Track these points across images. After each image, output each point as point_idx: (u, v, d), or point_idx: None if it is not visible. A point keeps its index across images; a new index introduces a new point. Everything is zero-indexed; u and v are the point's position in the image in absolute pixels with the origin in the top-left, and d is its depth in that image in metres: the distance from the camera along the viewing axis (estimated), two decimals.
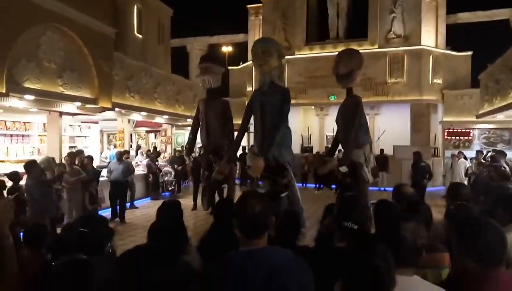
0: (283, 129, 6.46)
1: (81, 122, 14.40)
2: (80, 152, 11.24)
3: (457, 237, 1.81)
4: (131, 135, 22.46)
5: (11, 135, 11.55)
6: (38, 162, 7.23)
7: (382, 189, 16.35)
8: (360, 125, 9.27)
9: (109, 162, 11.87)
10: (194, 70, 23.11)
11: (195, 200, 11.93)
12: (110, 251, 3.35)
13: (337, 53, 9.72)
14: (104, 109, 10.32)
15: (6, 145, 11.27)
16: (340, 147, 8.06)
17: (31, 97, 8.49)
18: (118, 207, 10.24)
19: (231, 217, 1.97)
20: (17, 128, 11.66)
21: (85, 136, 14.89)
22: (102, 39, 10.20)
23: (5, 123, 11.17)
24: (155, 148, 17.38)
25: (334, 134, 10.17)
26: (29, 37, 8.16)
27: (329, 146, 11.78)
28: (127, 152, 12.59)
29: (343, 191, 9.71)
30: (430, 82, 18.24)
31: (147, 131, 21.64)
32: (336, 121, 9.78)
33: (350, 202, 2.32)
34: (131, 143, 21.24)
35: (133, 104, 12.20)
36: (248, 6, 21.97)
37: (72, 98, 9.38)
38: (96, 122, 15.13)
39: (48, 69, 8.68)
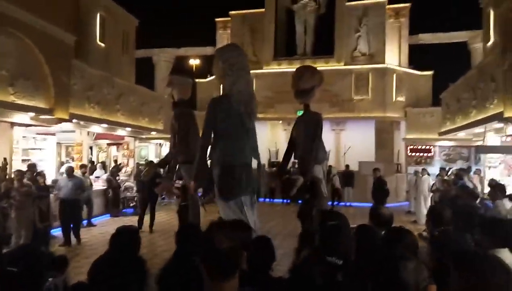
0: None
1: (37, 133, 13.49)
2: (33, 166, 10.50)
3: (458, 276, 1.57)
4: (91, 148, 21.58)
5: None
6: None
7: (348, 204, 16.40)
8: (319, 142, 9.52)
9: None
10: (160, 82, 22.58)
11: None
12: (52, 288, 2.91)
13: (296, 69, 10.03)
14: (60, 120, 9.68)
15: None
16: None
17: None
18: (71, 226, 9.32)
19: (195, 247, 1.68)
20: None
21: (40, 149, 13.93)
22: (60, 47, 9.61)
23: None
24: (115, 161, 16.65)
25: (286, 148, 10.18)
26: None
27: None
28: (84, 166, 11.90)
29: (304, 204, 9.75)
30: (394, 99, 18.70)
31: (109, 144, 20.75)
32: (292, 136, 9.80)
33: (333, 233, 2.05)
34: (91, 156, 20.31)
35: (93, 115, 11.55)
36: (216, 19, 21.84)
37: (25, 108, 8.71)
38: (53, 134, 14.23)
39: None
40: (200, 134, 8.70)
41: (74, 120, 10.61)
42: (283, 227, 11.30)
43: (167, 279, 2.68)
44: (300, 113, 17.50)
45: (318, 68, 15.90)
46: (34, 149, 13.73)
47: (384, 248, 2.25)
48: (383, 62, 18.46)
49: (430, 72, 19.64)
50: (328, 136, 20.14)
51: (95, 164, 17.20)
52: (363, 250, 2.44)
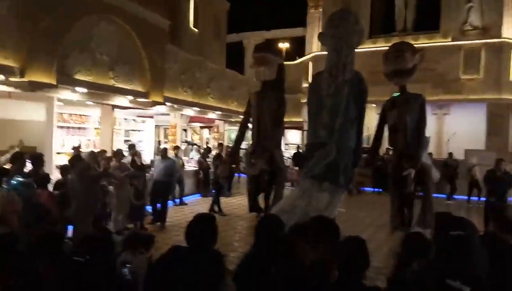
0: None
1: (137, 116, 14.42)
2: (132, 146, 11.17)
3: None
4: (185, 130, 22.66)
5: (68, 128, 11.69)
6: (83, 156, 7.04)
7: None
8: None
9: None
10: (249, 66, 22.64)
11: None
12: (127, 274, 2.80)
13: (390, 46, 8.97)
14: (155, 103, 10.05)
15: (63, 137, 11.42)
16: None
17: (83, 90, 8.36)
18: (158, 206, 9.59)
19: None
20: (73, 121, 11.79)
21: (140, 131, 14.90)
22: (155, 32, 9.91)
23: (62, 115, 11.30)
24: (220, 144, 17.14)
25: (376, 134, 9.26)
26: (83, 28, 7.99)
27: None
28: (177, 147, 12.34)
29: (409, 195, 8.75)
30: (511, 79, 16.18)
31: (201, 127, 21.55)
32: (385, 120, 8.97)
33: (458, 247, 1.50)
34: (186, 138, 21.30)
35: (186, 99, 11.87)
36: None
37: (123, 92, 9.18)
38: (151, 117, 15.11)
39: (100, 61, 8.51)
40: None
41: (168, 103, 10.98)
42: (374, 218, 10.52)
43: (242, 280, 2.38)
44: (396, 95, 15.93)
45: (419, 46, 14.41)
46: (134, 130, 14.74)
47: None
48: (499, 36, 16.01)
49: None
50: (429, 121, 18.31)
51: (191, 145, 17.98)
52: (496, 269, 1.84)
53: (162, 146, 11.14)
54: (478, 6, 16.36)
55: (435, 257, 1.51)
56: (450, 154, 15.19)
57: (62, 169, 7.00)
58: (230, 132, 24.60)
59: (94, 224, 6.66)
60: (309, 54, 19.89)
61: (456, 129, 16.64)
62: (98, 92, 8.73)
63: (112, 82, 8.84)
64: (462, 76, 16.57)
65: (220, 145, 11.87)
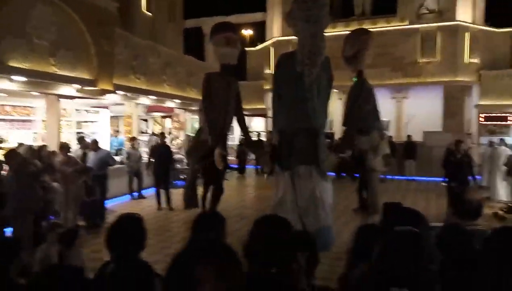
0: None
1: (91, 107, 13.62)
2: (81, 139, 10.50)
3: None
4: (146, 120, 21.82)
5: (11, 121, 10.83)
6: (19, 151, 6.43)
7: (410, 178, 15.07)
8: (367, 111, 8.56)
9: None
10: (210, 52, 22.01)
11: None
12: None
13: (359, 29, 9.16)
14: (104, 92, 9.41)
15: (6, 130, 10.56)
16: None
17: (21, 78, 7.63)
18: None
19: None
20: (17, 113, 10.93)
21: (93, 122, 14.11)
22: (102, 15, 9.22)
23: (4, 107, 10.44)
24: (162, 133, 16.60)
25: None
26: (16, 10, 7.23)
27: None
28: (134, 139, 11.74)
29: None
30: (466, 61, 16.60)
31: (163, 117, 20.82)
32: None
33: (409, 246, 1.21)
34: (147, 129, 20.53)
35: (139, 86, 11.24)
36: None
37: (67, 80, 8.50)
38: (106, 107, 14.34)
39: (39, 47, 7.78)
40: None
41: (118, 92, 10.34)
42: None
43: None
44: (355, 80, 16.14)
45: (377, 30, 14.56)
46: (87, 121, 13.94)
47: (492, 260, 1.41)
48: (454, 19, 16.32)
49: (509, 29, 17.11)
50: (388, 105, 18.64)
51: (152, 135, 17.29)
52: (455, 265, 1.61)
53: (91, 138, 10.19)
54: None
55: (379, 257, 1.23)
56: (409, 136, 15.46)
57: None
58: (193, 122, 24.01)
59: (35, 223, 6.15)
60: (270, 39, 19.54)
61: (414, 112, 16.95)
62: (39, 80, 8.01)
63: (53, 69, 8.14)
64: (420, 59, 16.82)
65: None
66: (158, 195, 9.84)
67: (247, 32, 22.40)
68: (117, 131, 12.29)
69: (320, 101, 6.43)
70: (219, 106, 7.73)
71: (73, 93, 9.28)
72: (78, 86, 9.00)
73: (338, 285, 1.99)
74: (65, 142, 8.40)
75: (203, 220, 2.29)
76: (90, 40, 8.84)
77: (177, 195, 11.95)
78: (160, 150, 9.52)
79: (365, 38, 8.83)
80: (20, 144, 7.42)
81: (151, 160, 10.28)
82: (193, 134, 18.29)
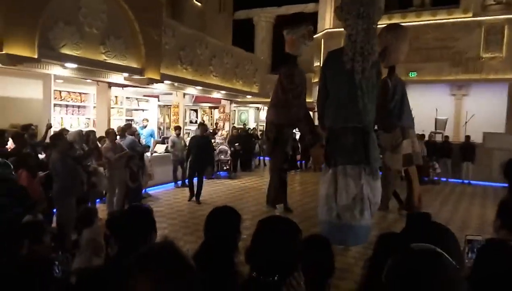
0: None
1: (143, 95, 14.04)
2: (129, 126, 10.80)
3: None
4: (196, 111, 22.21)
5: (66, 106, 11.40)
6: (68, 134, 6.68)
7: (466, 181, 14.05)
8: (389, 109, 8.53)
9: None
10: (259, 44, 21.92)
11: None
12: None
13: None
14: (151, 81, 9.57)
15: (61, 116, 11.13)
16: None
17: (72, 65, 7.93)
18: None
19: None
20: (72, 99, 11.48)
21: (143, 110, 14.55)
22: (150, 4, 9.35)
23: (60, 93, 10.98)
24: (201, 124, 16.80)
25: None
26: None
27: None
28: (179, 128, 11.90)
29: None
30: None
31: (210, 107, 21.07)
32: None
33: (424, 272, 0.95)
34: (196, 119, 20.88)
35: (185, 76, 11.34)
36: None
37: (116, 68, 8.72)
38: (156, 96, 14.72)
39: (89, 35, 8.03)
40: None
41: (166, 81, 10.49)
42: None
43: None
44: (412, 75, 15.91)
45: (438, 22, 14.29)
46: (137, 109, 14.40)
47: None
48: None
49: None
50: (446, 102, 17.50)
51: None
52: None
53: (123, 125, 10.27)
54: None
55: (385, 279, 0.98)
56: (467, 137, 14.40)
57: (45, 147, 6.68)
58: (240, 113, 24.10)
59: (78, 205, 6.37)
60: (321, 31, 19.01)
61: (475, 111, 15.76)
62: (89, 68, 8.29)
63: (103, 57, 8.39)
64: (483, 54, 15.55)
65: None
66: (191, 186, 9.66)
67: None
68: (147, 120, 12.36)
69: (369, 98, 6.34)
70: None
71: (122, 81, 9.54)
72: (126, 75, 9.22)
73: None
74: (111, 129, 8.66)
75: (216, 216, 2.15)
76: (138, 29, 9.00)
77: (221, 185, 12.12)
78: (199, 141, 9.46)
79: (395, 32, 8.58)
80: (64, 130, 7.73)
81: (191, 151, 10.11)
82: (241, 126, 18.41)
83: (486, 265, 1.41)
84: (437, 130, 16.46)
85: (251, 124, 21.98)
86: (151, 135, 12.50)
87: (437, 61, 16.17)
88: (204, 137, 9.80)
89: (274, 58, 21.51)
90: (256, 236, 1.56)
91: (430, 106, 16.78)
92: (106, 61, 8.42)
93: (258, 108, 22.55)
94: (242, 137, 15.21)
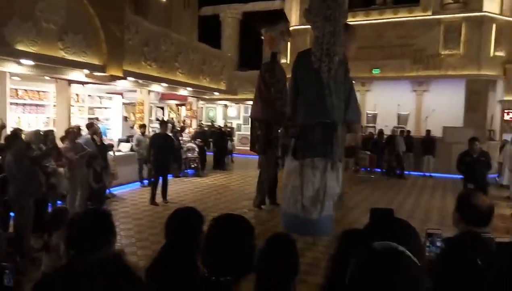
0: None
1: (106, 93, 13.61)
2: (91, 125, 10.44)
3: None
4: (162, 108, 21.80)
5: (24, 105, 10.87)
6: (25, 134, 6.37)
7: (427, 174, 14.59)
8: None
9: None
10: (226, 40, 21.78)
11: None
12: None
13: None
14: (114, 78, 9.29)
15: (18, 115, 10.60)
16: None
17: (29, 62, 7.56)
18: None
19: None
20: (29, 97, 10.96)
21: (106, 108, 14.11)
22: None
23: (17, 91, 10.46)
24: (162, 121, 16.52)
25: None
26: None
27: None
28: (143, 126, 11.62)
29: None
30: (491, 54, 15.86)
31: (177, 105, 20.75)
32: None
33: (384, 271, 0.93)
34: (162, 116, 20.50)
35: (150, 73, 11.08)
36: None
37: (75, 65, 8.39)
38: (120, 94, 14.31)
39: (47, 31, 7.67)
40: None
41: (129, 78, 10.21)
42: None
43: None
44: (376, 72, 16.71)
45: (398, 20, 15.24)
46: (100, 107, 13.94)
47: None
48: (480, 10, 15.56)
49: None
50: (408, 98, 18.08)
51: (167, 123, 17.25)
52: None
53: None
54: None
55: (349, 280, 0.97)
56: (428, 131, 14.95)
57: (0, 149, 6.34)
58: (208, 110, 23.90)
59: (36, 207, 6.09)
60: None
61: (435, 106, 16.38)
62: (47, 65, 7.93)
63: (62, 54, 8.04)
64: (442, 51, 16.16)
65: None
66: (154, 186, 9.14)
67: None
68: (97, 119, 11.78)
69: (337, 96, 6.76)
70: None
71: (83, 78, 9.20)
72: (87, 72, 8.90)
73: None
74: (71, 128, 8.33)
75: (178, 218, 2.08)
76: (99, 25, 8.69)
77: (189, 183, 11.97)
78: (160, 139, 9.05)
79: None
80: (18, 129, 7.34)
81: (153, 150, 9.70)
82: (209, 123, 18.26)
83: (453, 258, 1.44)
84: (400, 125, 17.00)
85: (219, 122, 21.85)
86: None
87: (399, 58, 16.67)
88: (165, 135, 9.37)
89: (242, 55, 21.46)
90: (208, 235, 1.52)
91: (393, 102, 17.30)
92: (65, 57, 8.09)
93: (226, 106, 22.44)
94: (215, 135, 15.14)
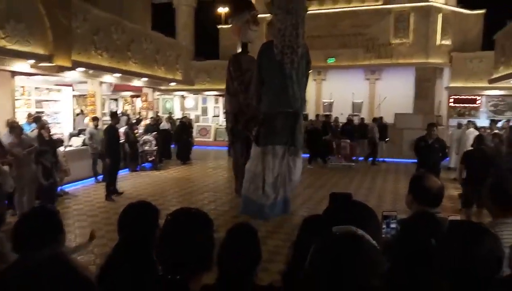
0: None
1: (55, 85, 12.88)
2: (38, 118, 9.88)
3: None
4: (116, 100, 21.01)
5: None
6: None
7: (381, 159, 15.14)
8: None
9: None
10: (181, 29, 21.27)
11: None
12: None
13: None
14: (61, 68, 8.79)
15: None
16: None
17: None
18: None
19: None
20: None
21: (55, 101, 13.38)
22: None
23: None
24: (112, 113, 15.97)
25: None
26: None
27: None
28: (96, 119, 11.14)
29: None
30: (438, 43, 16.64)
31: (132, 96, 20.08)
32: None
33: (342, 254, 0.93)
34: (116, 108, 19.77)
35: (101, 63, 10.60)
36: None
37: (18, 55, 7.84)
38: (70, 85, 13.61)
39: None
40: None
41: (78, 69, 9.72)
42: None
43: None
44: (331, 61, 17.30)
45: (351, 9, 16.03)
46: (48, 100, 13.20)
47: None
48: (427, 0, 16.24)
49: (481, 11, 17.22)
50: (361, 86, 18.61)
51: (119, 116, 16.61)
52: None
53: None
54: None
55: (309, 264, 0.97)
56: (381, 118, 15.47)
57: None
58: (165, 101, 23.33)
59: None
60: None
61: (388, 94, 16.96)
62: None
63: (3, 43, 7.49)
64: (393, 40, 16.73)
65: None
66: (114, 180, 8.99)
67: (223, 10, 21.67)
68: (30, 115, 10.81)
69: (299, 87, 7.05)
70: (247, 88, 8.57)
71: (28, 69, 8.64)
72: (32, 62, 8.36)
73: (282, 282, 1.76)
74: (16, 122, 7.84)
75: (131, 213, 1.99)
76: (43, 11, 8.16)
77: (147, 177, 11.66)
78: (108, 132, 8.80)
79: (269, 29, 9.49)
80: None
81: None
82: (167, 115, 17.81)
83: (409, 239, 1.48)
84: (354, 113, 17.51)
85: (177, 113, 21.42)
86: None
87: (353, 47, 17.08)
88: (110, 128, 9.08)
89: (197, 44, 21.07)
90: (163, 230, 1.47)
91: (347, 90, 17.76)
92: (7, 47, 7.54)
93: (183, 96, 22.03)
94: (178, 127, 14.77)
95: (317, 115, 16.52)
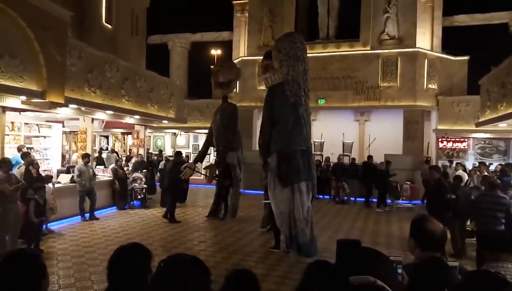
0: None
1: (46, 121, 12.79)
2: (26, 154, 9.70)
3: None
4: (106, 137, 20.88)
5: None
6: None
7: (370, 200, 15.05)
8: (235, 130, 10.79)
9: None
10: (175, 69, 21.67)
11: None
12: None
13: (232, 61, 13.32)
14: (54, 105, 8.76)
15: None
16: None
17: None
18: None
19: None
20: None
21: (45, 137, 13.23)
22: (53, 22, 8.64)
23: None
24: (112, 150, 15.86)
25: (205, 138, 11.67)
26: None
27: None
28: (87, 155, 11.00)
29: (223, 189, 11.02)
30: (425, 87, 17.15)
31: (123, 133, 20.00)
32: (211, 126, 11.46)
33: None
34: (107, 145, 19.62)
35: (94, 100, 10.62)
36: (234, 1, 20.65)
37: (11, 90, 7.82)
38: (61, 122, 13.54)
39: None
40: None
41: (71, 105, 9.70)
42: None
43: None
44: (321, 102, 18.49)
45: (341, 53, 17.36)
46: (38, 136, 13.04)
47: None
48: (414, 46, 16.87)
49: (465, 58, 17.91)
50: (351, 127, 18.89)
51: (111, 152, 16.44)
52: None
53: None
54: (394, 16, 17.12)
55: None
56: (369, 157, 15.48)
57: None
58: (156, 139, 23.26)
59: None
60: (236, 59, 19.44)
61: (377, 135, 17.18)
62: None
63: None
64: (381, 83, 17.18)
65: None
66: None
67: (215, 52, 22.19)
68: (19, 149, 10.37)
69: (309, 125, 7.73)
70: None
71: (19, 105, 8.59)
72: (24, 98, 8.32)
73: None
74: (6, 158, 7.67)
75: (122, 257, 1.89)
76: (38, 49, 8.23)
77: (135, 215, 11.36)
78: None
79: (237, 70, 11.42)
80: None
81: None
82: (156, 152, 17.68)
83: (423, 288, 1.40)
84: (345, 153, 17.62)
85: (168, 151, 21.33)
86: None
87: (342, 89, 17.49)
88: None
89: (190, 83, 21.39)
90: (155, 280, 1.36)
91: (338, 130, 17.97)
92: (0, 83, 7.51)
93: (175, 134, 22.03)
94: (168, 165, 14.58)
95: None
